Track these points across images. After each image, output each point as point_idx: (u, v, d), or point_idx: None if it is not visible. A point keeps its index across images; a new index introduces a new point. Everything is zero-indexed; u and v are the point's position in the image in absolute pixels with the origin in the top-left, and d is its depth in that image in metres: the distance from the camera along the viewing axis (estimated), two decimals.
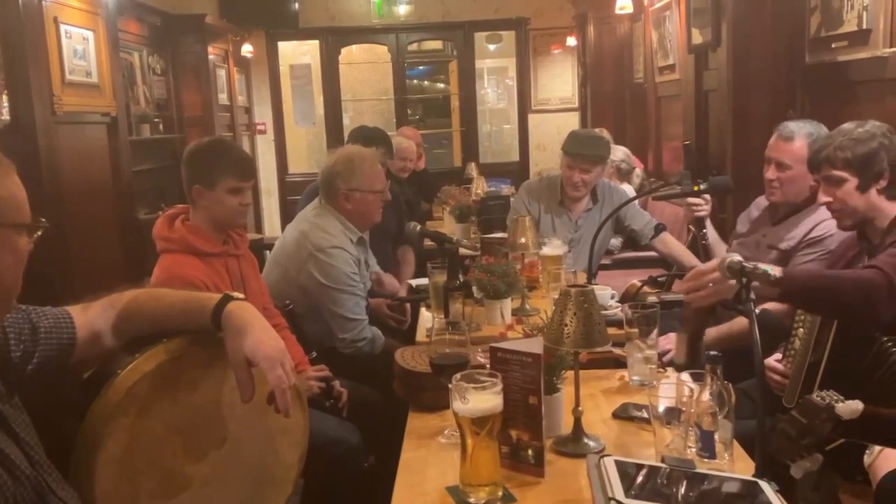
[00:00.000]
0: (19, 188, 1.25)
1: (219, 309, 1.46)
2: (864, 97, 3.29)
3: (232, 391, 1.46)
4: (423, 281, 3.26)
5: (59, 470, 1.33)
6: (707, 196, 2.95)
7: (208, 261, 2.39)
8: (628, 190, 4.62)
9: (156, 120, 6.33)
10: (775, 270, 1.77)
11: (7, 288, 1.25)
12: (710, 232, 3.01)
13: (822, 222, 2.60)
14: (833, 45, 3.48)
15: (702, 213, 2.96)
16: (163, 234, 2.40)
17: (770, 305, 2.24)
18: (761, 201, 2.94)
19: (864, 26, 3.18)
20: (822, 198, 2.23)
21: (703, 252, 2.99)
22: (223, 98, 7.55)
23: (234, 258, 2.50)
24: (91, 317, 1.48)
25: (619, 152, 5.03)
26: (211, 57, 7.06)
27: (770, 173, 2.73)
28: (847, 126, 2.19)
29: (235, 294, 1.50)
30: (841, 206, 2.19)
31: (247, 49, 8.23)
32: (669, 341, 2.39)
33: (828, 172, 2.18)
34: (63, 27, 4.53)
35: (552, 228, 3.68)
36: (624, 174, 5.11)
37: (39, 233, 1.27)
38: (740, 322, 2.54)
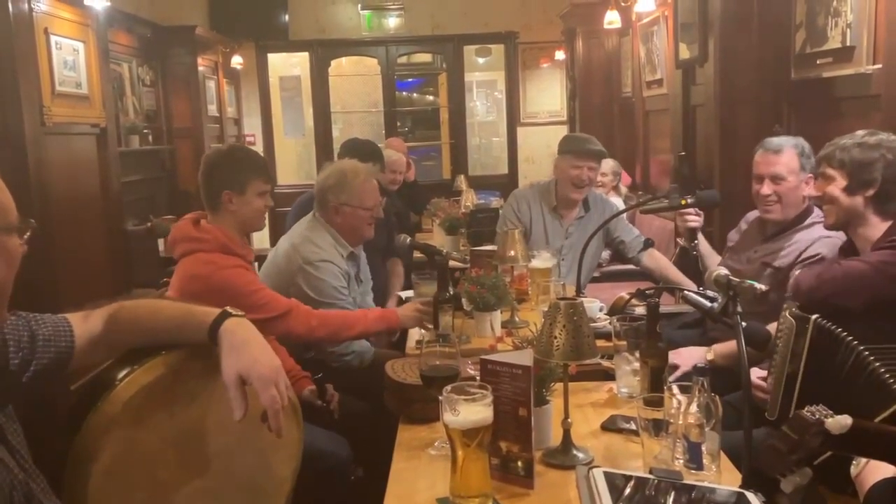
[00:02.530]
0: (3, 192, 1.24)
1: (216, 325, 1.45)
2: (848, 113, 3.34)
3: (227, 406, 1.45)
4: (412, 293, 3.27)
5: (50, 481, 1.33)
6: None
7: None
8: (618, 202, 4.66)
9: (145, 131, 6.31)
10: (760, 285, 1.79)
11: None
12: (703, 244, 3.03)
13: (817, 241, 2.57)
14: (818, 62, 3.53)
15: (694, 224, 2.97)
16: (191, 234, 2.41)
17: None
18: (751, 216, 2.94)
19: (848, 43, 3.23)
20: (814, 191, 2.35)
21: (698, 261, 3.02)
22: (212, 109, 7.54)
23: (250, 263, 2.55)
24: (91, 326, 1.47)
25: (609, 163, 5.11)
26: (201, 68, 7.05)
27: (765, 188, 2.68)
28: (860, 132, 2.26)
29: (234, 310, 1.49)
30: (828, 201, 2.27)
31: (236, 60, 8.23)
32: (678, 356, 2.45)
33: (823, 169, 2.28)
34: (53, 38, 4.52)
35: (544, 234, 3.69)
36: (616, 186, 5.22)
37: (29, 233, 1.26)
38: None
